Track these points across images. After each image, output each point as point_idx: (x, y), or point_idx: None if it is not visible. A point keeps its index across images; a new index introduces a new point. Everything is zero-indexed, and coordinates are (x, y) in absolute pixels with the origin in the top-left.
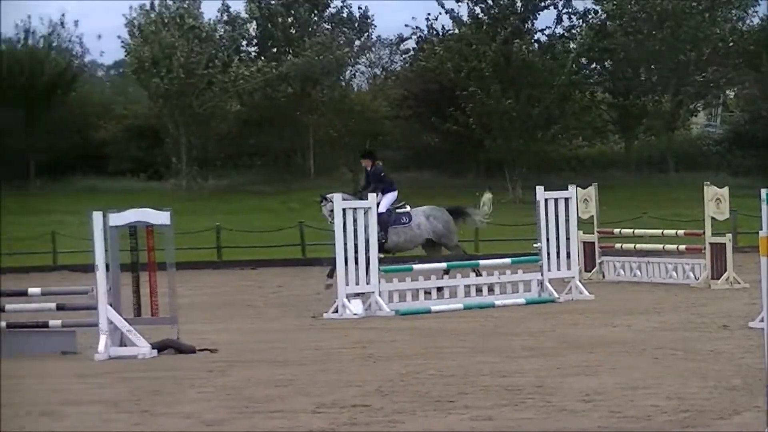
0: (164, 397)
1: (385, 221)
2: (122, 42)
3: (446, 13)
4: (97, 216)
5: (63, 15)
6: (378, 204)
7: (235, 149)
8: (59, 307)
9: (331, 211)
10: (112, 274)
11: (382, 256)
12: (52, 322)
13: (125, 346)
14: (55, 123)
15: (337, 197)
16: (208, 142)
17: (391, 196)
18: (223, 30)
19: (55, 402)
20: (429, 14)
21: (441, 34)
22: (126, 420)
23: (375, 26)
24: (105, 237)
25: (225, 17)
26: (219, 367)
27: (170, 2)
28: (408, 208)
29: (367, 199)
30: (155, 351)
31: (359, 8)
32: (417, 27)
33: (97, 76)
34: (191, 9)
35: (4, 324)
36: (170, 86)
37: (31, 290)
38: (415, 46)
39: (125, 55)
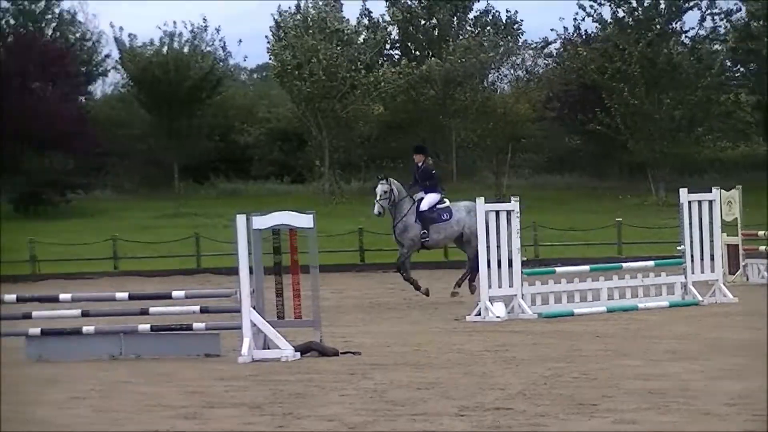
0: (307, 400)
1: (427, 219)
2: (268, 43)
3: (588, 16)
4: (240, 219)
5: (205, 19)
6: (420, 200)
7: (378, 152)
8: (203, 310)
9: (385, 191)
10: (256, 276)
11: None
12: (196, 325)
13: (268, 348)
14: (198, 127)
15: (395, 182)
16: (350, 145)
17: (434, 196)
18: (365, 33)
19: (198, 404)
20: (576, 14)
21: (586, 35)
22: (269, 423)
23: (523, 31)
24: (248, 240)
25: (367, 20)
26: (362, 370)
27: (312, 7)
28: (447, 203)
29: (414, 201)
30: (298, 354)
31: (507, 11)
32: (565, 28)
33: (240, 80)
34: (334, 12)
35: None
36: (313, 89)
37: (175, 293)
38: (559, 48)
39: (269, 59)
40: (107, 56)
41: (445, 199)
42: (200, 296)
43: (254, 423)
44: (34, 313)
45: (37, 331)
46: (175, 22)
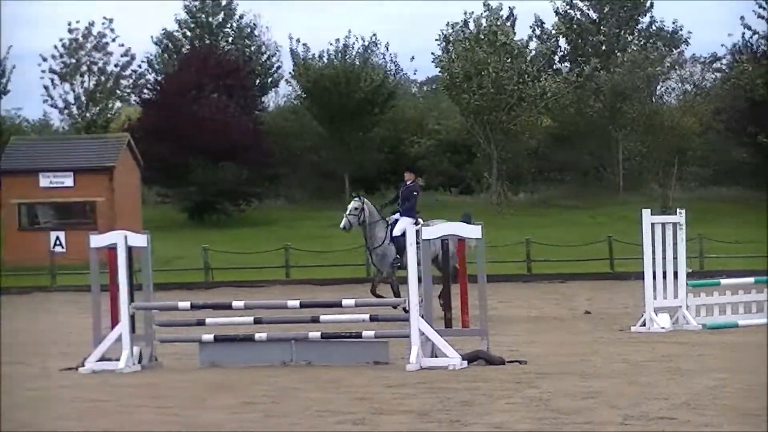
0: (474, 408)
1: (401, 244)
2: (433, 57)
3: (755, 34)
4: (410, 230)
5: (375, 35)
6: (394, 224)
7: (545, 164)
8: (372, 318)
9: (356, 208)
10: (424, 286)
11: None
12: (365, 333)
13: (436, 356)
14: (369, 139)
15: (368, 203)
16: (518, 157)
17: (407, 220)
18: (534, 46)
19: (366, 410)
20: (745, 28)
21: (754, 51)
22: (435, 429)
23: (688, 44)
24: (417, 250)
25: (535, 33)
26: (528, 379)
27: (483, 19)
28: (421, 223)
29: (388, 225)
30: (465, 362)
31: (673, 23)
32: (734, 45)
33: (410, 93)
34: (503, 26)
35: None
36: (481, 102)
37: (346, 301)
38: (728, 62)
39: (438, 72)
40: (278, 68)
41: (419, 221)
42: (370, 305)
43: (421, 430)
44: (208, 320)
45: (210, 337)
46: (347, 36)
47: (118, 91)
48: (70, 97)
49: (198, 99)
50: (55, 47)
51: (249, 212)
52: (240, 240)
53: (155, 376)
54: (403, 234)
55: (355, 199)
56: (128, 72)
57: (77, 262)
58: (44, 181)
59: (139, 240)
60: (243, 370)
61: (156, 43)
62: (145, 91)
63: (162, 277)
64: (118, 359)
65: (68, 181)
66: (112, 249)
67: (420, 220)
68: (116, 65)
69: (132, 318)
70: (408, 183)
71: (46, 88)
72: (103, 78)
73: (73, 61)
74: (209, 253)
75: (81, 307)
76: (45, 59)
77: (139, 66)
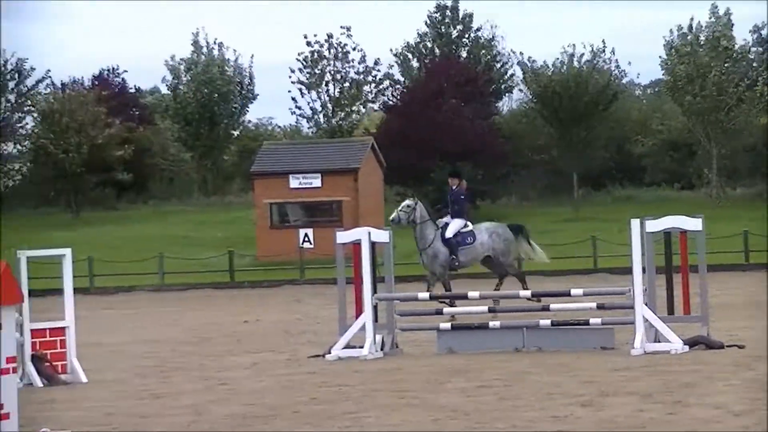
0: (695, 389)
1: (453, 244)
2: (660, 61)
3: None
4: (635, 223)
5: (603, 41)
6: (445, 226)
7: (762, 160)
8: (599, 307)
9: (408, 206)
10: (648, 275)
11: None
12: (592, 320)
13: (659, 342)
14: (595, 138)
15: (422, 204)
16: (736, 154)
17: (459, 222)
18: (755, 50)
19: (593, 393)
20: None
21: None
22: (659, 410)
23: None
24: (642, 242)
25: (756, 38)
26: (745, 362)
27: (706, 25)
28: (470, 227)
29: (437, 228)
30: (686, 347)
31: None
32: None
33: (634, 95)
34: (725, 31)
35: (548, 322)
36: (703, 103)
37: (574, 291)
38: None
39: (662, 75)
40: (512, 75)
41: (468, 223)
42: (596, 294)
43: (645, 410)
44: (445, 310)
45: (447, 326)
46: (574, 45)
47: (360, 97)
48: (317, 105)
49: (437, 105)
50: (297, 59)
51: (483, 208)
52: None
53: (396, 362)
54: (455, 235)
55: (410, 198)
56: (369, 78)
57: (324, 257)
58: (294, 182)
59: (382, 236)
60: (477, 355)
61: (395, 55)
62: (389, 97)
63: (403, 270)
64: (361, 347)
65: (316, 182)
66: (356, 244)
67: (468, 223)
68: (357, 73)
69: (375, 308)
70: (454, 188)
71: (293, 99)
72: (346, 85)
73: (317, 71)
74: None
75: (327, 298)
76: (293, 71)
77: (378, 70)
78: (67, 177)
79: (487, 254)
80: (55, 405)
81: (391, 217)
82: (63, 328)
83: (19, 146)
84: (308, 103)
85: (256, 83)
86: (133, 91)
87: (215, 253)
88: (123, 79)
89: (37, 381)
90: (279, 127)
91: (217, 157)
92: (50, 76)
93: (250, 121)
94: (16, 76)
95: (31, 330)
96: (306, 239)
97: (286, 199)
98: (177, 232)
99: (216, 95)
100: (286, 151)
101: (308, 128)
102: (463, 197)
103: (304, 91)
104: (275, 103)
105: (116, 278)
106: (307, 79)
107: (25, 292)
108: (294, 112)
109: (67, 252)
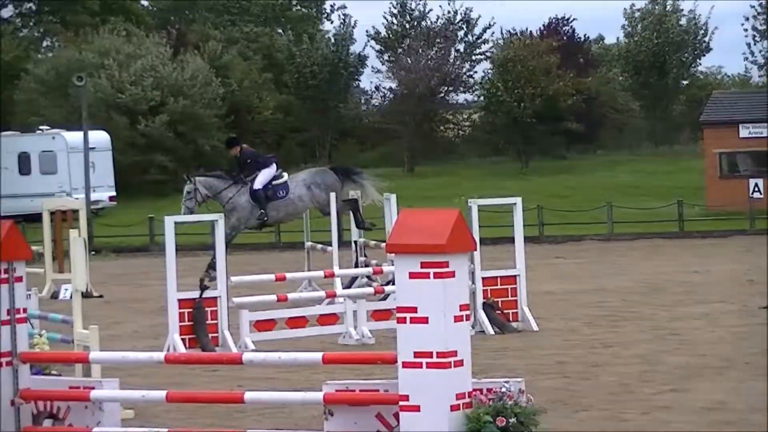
0: None
1: (260, 198)
2: None
3: None
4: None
5: None
6: (253, 180)
7: None
8: None
9: (188, 192)
10: None
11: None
12: None
13: None
14: None
15: (200, 180)
16: None
17: (267, 172)
18: None
19: None
20: None
21: None
22: None
23: None
24: None
25: None
26: None
27: None
28: (285, 178)
29: (244, 184)
30: None
31: None
32: None
33: None
34: None
35: None
36: None
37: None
38: None
39: None
40: None
41: (284, 174)
42: None
43: None
44: None
45: None
46: None
47: None
48: None
49: None
50: (751, 6)
51: None
52: None
53: None
54: (264, 187)
55: (187, 183)
56: None
57: None
58: (743, 131)
59: None
60: None
61: None
62: None
63: None
64: None
65: (766, 132)
66: None
67: (285, 174)
68: None
69: None
70: (237, 156)
71: (747, 45)
72: None
73: None
74: None
75: None
76: (747, 18)
77: None
78: (518, 126)
79: (312, 207)
80: (506, 352)
81: (182, 214)
82: (514, 276)
83: (469, 95)
84: (761, 51)
85: (711, 34)
86: (582, 39)
87: (663, 202)
88: (572, 27)
89: (489, 328)
90: (728, 76)
91: (666, 107)
92: (494, 24)
93: (699, 71)
94: (464, 25)
95: (483, 278)
96: (756, 189)
97: (736, 148)
98: (626, 182)
99: (667, 46)
100: (737, 100)
101: (759, 77)
102: (252, 153)
103: (757, 38)
104: (725, 52)
105: (564, 227)
106: (761, 26)
107: (477, 240)
108: (747, 59)
109: (518, 201)
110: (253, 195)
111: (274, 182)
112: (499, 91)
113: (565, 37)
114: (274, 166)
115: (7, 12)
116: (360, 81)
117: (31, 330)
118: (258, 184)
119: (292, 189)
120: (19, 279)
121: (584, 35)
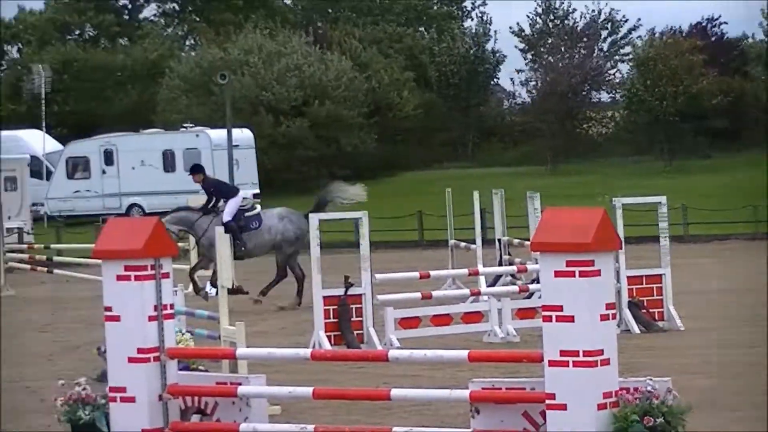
0: None
1: (233, 229)
2: None
3: None
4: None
5: None
6: (222, 213)
7: None
8: None
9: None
10: None
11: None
12: None
13: None
14: None
15: (168, 219)
16: None
17: (233, 203)
18: None
19: None
20: None
21: None
22: None
23: None
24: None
25: None
26: None
27: None
28: (258, 210)
29: (216, 213)
30: None
31: None
32: None
33: None
34: None
35: None
36: None
37: None
38: None
39: None
40: None
41: (257, 206)
42: None
43: None
44: None
45: None
46: None
47: None
48: None
49: None
50: None
51: None
52: None
53: None
54: (234, 218)
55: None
56: None
57: None
58: None
59: None
60: None
61: None
62: None
63: None
64: None
65: None
66: None
67: (258, 206)
68: None
69: None
70: (201, 185)
71: None
72: None
73: None
74: None
75: None
76: None
77: None
78: (660, 125)
79: (273, 240)
80: (653, 351)
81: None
82: (659, 275)
83: (612, 94)
84: None
85: None
86: (729, 39)
87: None
88: (721, 29)
89: (635, 327)
90: None
91: None
92: (641, 25)
93: None
94: (608, 25)
95: (628, 277)
96: None
97: None
98: None
99: None
100: None
101: None
102: (216, 183)
103: None
104: None
105: (709, 226)
106: None
107: (621, 238)
108: None
109: (662, 199)
110: (225, 227)
111: (246, 213)
112: (639, 90)
113: (712, 38)
114: (239, 195)
115: (150, 11)
116: (498, 79)
117: (175, 328)
118: (227, 215)
119: (265, 220)
120: (166, 275)
121: (742, 32)
